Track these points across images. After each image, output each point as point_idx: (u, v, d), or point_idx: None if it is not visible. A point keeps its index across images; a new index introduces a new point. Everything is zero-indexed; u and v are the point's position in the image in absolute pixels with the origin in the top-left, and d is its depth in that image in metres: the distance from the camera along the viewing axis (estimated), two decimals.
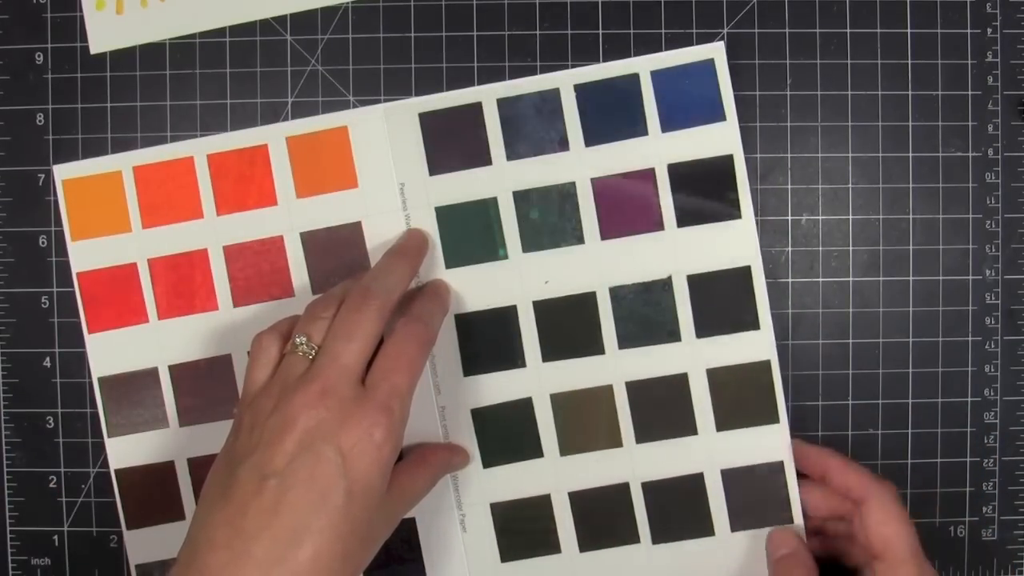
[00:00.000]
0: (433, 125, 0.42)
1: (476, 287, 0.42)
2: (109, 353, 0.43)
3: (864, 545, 0.38)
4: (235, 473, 0.34)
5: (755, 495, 0.42)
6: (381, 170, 0.42)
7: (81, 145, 0.44)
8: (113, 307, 0.43)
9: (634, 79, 0.41)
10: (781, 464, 0.42)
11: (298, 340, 0.36)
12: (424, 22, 0.43)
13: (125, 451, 0.43)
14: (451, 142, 0.42)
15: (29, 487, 0.45)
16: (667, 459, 0.42)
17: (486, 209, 0.42)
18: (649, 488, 0.42)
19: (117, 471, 0.43)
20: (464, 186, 0.42)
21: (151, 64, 0.44)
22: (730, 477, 0.42)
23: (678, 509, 0.42)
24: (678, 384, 0.42)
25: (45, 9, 0.44)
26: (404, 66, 0.43)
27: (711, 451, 0.42)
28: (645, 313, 0.42)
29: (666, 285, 0.42)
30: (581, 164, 0.42)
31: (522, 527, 0.43)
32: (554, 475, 0.43)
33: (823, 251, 0.43)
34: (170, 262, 0.43)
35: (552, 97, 0.42)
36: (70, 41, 0.44)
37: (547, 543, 0.43)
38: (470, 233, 0.42)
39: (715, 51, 0.41)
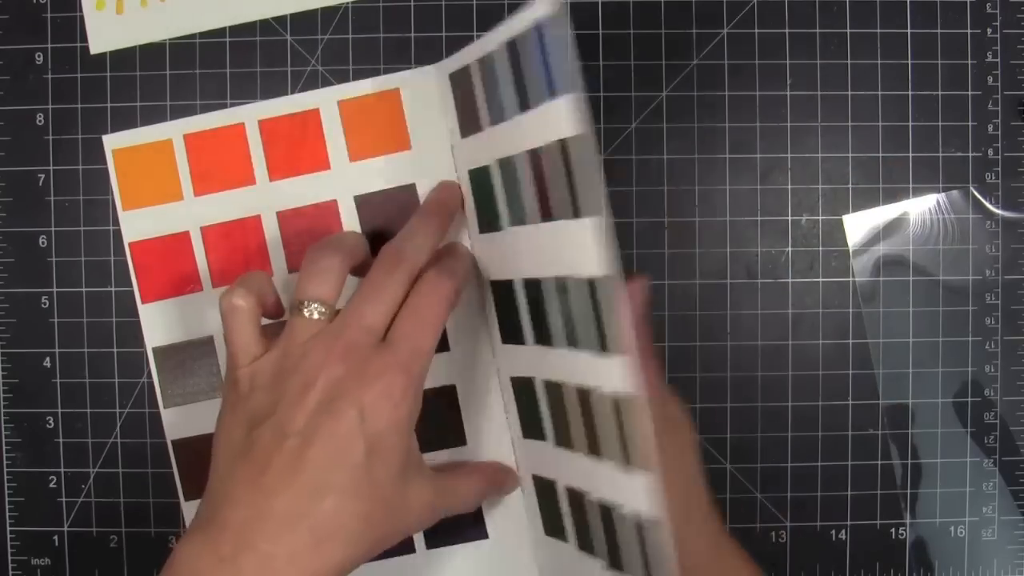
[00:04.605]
0: (461, 84, 0.40)
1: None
2: (163, 323, 0.43)
3: None
4: (256, 432, 0.34)
5: None
6: (433, 132, 0.42)
7: (81, 145, 0.43)
8: (166, 276, 0.43)
9: None
10: None
11: (306, 303, 0.35)
12: (424, 22, 0.43)
13: (181, 422, 0.43)
14: (475, 102, 0.39)
15: (29, 487, 0.44)
16: None
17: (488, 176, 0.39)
18: None
19: (174, 442, 0.43)
20: (484, 150, 0.39)
21: (151, 64, 0.43)
22: None
23: None
24: None
25: (45, 9, 0.43)
26: (404, 66, 0.43)
27: None
28: None
29: None
30: None
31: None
32: None
33: (823, 251, 0.43)
34: (223, 229, 0.43)
35: None
36: (70, 41, 0.43)
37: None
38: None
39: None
